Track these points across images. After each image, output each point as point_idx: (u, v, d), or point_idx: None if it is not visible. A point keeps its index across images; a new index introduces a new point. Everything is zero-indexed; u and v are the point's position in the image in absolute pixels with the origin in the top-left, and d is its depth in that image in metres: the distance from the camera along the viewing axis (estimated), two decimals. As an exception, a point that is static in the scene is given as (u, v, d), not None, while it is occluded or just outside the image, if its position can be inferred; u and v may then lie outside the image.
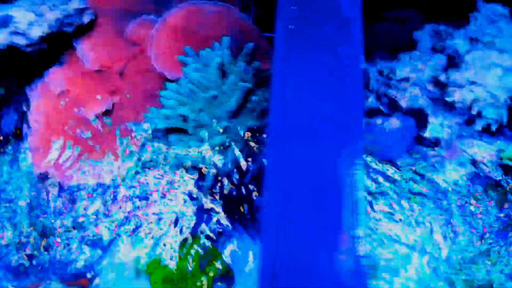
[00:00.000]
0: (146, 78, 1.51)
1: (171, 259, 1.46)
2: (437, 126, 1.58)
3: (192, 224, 1.45)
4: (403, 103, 1.59)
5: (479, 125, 1.56)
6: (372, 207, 1.61)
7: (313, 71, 1.09)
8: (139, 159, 1.43)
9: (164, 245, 1.48)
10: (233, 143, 1.26)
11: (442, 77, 1.55)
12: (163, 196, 1.45)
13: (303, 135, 1.02)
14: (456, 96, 1.53)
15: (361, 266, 0.91)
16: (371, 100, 1.65)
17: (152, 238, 1.49)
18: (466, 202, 1.60)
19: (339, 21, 1.14)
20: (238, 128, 1.28)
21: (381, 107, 1.64)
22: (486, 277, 1.53)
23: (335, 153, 1.00)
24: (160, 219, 1.48)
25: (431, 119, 1.58)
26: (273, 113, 1.05)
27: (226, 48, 1.31)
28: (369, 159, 1.65)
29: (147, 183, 1.46)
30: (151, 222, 1.47)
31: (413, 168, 1.64)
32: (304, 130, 1.02)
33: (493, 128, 1.57)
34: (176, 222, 1.37)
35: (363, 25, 1.19)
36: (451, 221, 1.60)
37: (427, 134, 1.59)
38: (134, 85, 1.52)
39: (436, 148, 1.63)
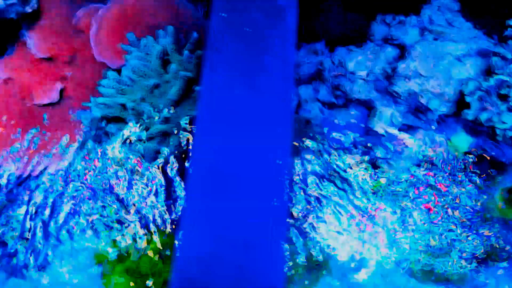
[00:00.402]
0: (94, 67, 1.50)
1: (129, 250, 1.46)
2: (387, 117, 1.59)
3: (148, 215, 1.45)
4: (354, 94, 1.59)
5: (428, 116, 1.57)
6: (320, 201, 1.61)
7: (243, 62, 1.09)
8: (84, 149, 1.42)
9: (122, 236, 1.48)
10: (175, 131, 1.26)
11: (392, 68, 1.56)
12: (111, 186, 1.45)
13: (229, 128, 1.01)
14: (405, 87, 1.53)
15: (282, 267, 0.90)
16: (325, 92, 1.66)
17: (107, 229, 1.49)
18: (420, 193, 1.61)
19: (273, 9, 1.14)
20: (180, 117, 1.28)
21: (333, 99, 1.64)
22: (445, 269, 1.54)
23: (261, 148, 1.00)
24: (111, 209, 1.47)
25: (380, 110, 1.58)
26: (200, 105, 1.04)
27: (170, 36, 1.31)
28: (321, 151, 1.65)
29: (96, 173, 1.45)
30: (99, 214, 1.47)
31: (366, 159, 1.65)
32: (231, 124, 1.02)
33: (442, 118, 1.58)
34: (126, 212, 1.37)
35: (298, 15, 1.19)
36: (409, 212, 1.61)
37: (376, 124, 1.60)
38: (83, 73, 1.51)
39: (386, 139, 1.63)
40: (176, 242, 0.90)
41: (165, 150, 1.23)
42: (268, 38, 1.10)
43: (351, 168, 1.63)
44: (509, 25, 1.48)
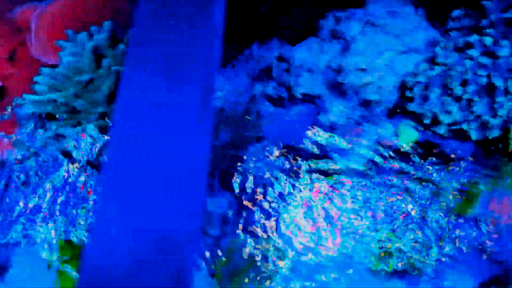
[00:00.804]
0: (34, 64, 1.48)
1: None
2: (335, 111, 1.58)
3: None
4: (301, 89, 1.59)
5: (374, 109, 1.56)
6: (265, 196, 1.61)
7: (166, 55, 1.07)
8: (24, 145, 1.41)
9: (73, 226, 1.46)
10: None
11: (338, 63, 1.55)
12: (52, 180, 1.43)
13: (147, 122, 1.00)
14: (350, 80, 1.53)
15: (189, 268, 0.89)
16: (273, 87, 1.64)
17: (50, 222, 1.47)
18: (373, 187, 1.61)
19: (199, 3, 1.13)
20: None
21: (282, 94, 1.63)
22: (400, 261, 1.54)
23: (180, 143, 0.99)
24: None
25: (328, 105, 1.58)
26: (119, 99, 1.03)
27: (105, 32, 1.29)
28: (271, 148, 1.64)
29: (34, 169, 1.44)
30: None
31: (316, 152, 1.64)
32: (149, 117, 1.00)
33: (389, 111, 1.57)
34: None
35: (225, 8, 1.18)
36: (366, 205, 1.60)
37: (325, 119, 1.59)
38: (23, 71, 1.49)
39: (335, 134, 1.63)
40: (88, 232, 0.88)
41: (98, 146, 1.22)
42: (193, 32, 1.09)
43: (301, 163, 1.62)
44: (453, 16, 1.48)
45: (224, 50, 1.75)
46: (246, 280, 1.49)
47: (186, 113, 1.02)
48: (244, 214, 1.65)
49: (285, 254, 1.56)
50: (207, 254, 1.59)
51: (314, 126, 1.63)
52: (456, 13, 1.46)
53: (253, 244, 1.58)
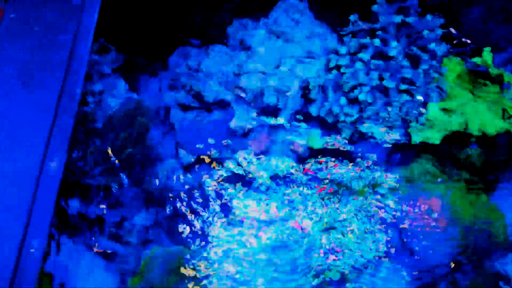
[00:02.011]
0: None
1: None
2: (242, 117, 1.57)
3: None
4: (210, 96, 1.57)
5: (281, 114, 1.56)
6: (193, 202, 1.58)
7: (29, 61, 1.05)
8: None
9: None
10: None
11: (243, 69, 1.55)
12: None
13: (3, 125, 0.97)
14: (256, 87, 1.53)
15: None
16: (182, 95, 1.63)
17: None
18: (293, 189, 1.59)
19: (67, 9, 1.12)
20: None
21: (193, 102, 1.62)
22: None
23: (35, 147, 0.95)
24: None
25: (236, 111, 1.57)
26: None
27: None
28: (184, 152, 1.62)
29: None
30: None
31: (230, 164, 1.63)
32: (5, 120, 0.98)
33: (296, 116, 1.58)
34: None
35: (98, 15, 1.17)
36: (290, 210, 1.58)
37: (234, 125, 1.58)
38: None
39: (247, 139, 1.62)
40: None
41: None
42: (59, 37, 1.07)
43: (220, 171, 1.61)
44: (352, 20, 1.50)
45: (139, 57, 1.75)
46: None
47: (47, 116, 0.99)
48: (167, 225, 1.61)
49: (210, 263, 1.52)
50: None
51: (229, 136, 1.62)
52: (352, 18, 1.48)
53: (177, 255, 1.54)
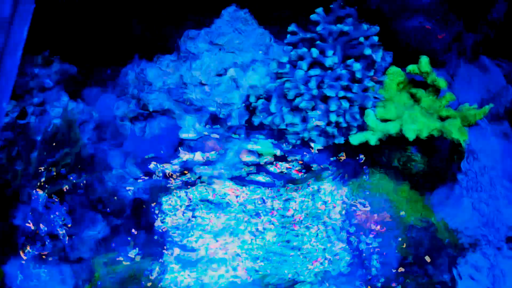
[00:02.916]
0: None
1: None
2: (189, 127, 1.59)
3: None
4: (157, 107, 1.59)
5: (228, 124, 1.58)
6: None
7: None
8: None
9: None
10: None
11: (187, 79, 1.57)
12: None
13: None
14: (197, 97, 1.55)
15: None
16: (129, 106, 1.64)
17: None
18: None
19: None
20: None
21: (138, 113, 1.63)
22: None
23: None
24: None
25: (182, 121, 1.58)
26: None
27: None
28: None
29: None
30: None
31: (186, 173, 1.64)
32: None
33: (240, 125, 1.60)
34: None
35: (28, 28, 1.18)
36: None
37: (183, 135, 1.59)
38: None
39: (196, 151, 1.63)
40: None
41: None
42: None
43: (171, 178, 1.61)
44: (290, 30, 1.54)
45: (87, 69, 1.75)
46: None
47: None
48: (118, 236, 1.61)
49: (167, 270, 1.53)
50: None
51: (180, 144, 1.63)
52: (290, 28, 1.51)
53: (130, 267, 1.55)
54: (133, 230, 1.58)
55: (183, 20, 1.68)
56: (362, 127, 1.50)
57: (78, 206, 1.61)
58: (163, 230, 1.57)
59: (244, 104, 1.55)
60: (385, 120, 1.46)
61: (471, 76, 1.89)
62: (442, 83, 1.45)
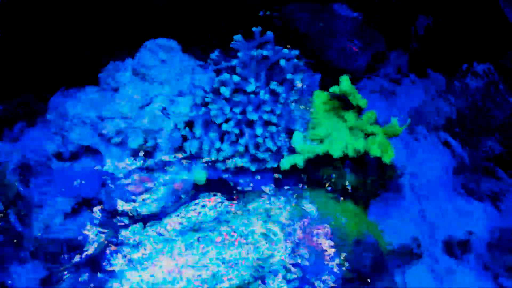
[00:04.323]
0: None
1: None
2: (116, 162, 1.55)
3: None
4: (80, 141, 1.54)
5: (156, 155, 1.56)
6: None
7: None
8: None
9: None
10: None
11: (110, 112, 1.53)
12: None
13: None
14: (118, 129, 1.52)
15: None
16: (55, 143, 1.59)
17: None
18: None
19: None
20: None
21: (63, 150, 1.58)
22: None
23: None
24: None
25: (108, 156, 1.55)
26: None
27: None
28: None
29: None
30: None
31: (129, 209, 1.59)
32: None
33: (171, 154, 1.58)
34: None
35: None
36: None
37: (107, 170, 1.55)
38: None
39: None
40: None
41: None
42: None
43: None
44: (212, 58, 1.54)
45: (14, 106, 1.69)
46: None
47: None
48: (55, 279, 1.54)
49: None
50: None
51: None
52: (212, 55, 1.52)
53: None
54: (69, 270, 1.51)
55: (107, 51, 1.66)
56: (293, 150, 1.52)
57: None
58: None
59: (173, 133, 1.53)
60: (311, 139, 1.47)
61: (400, 92, 1.96)
62: (362, 103, 1.48)
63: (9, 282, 1.50)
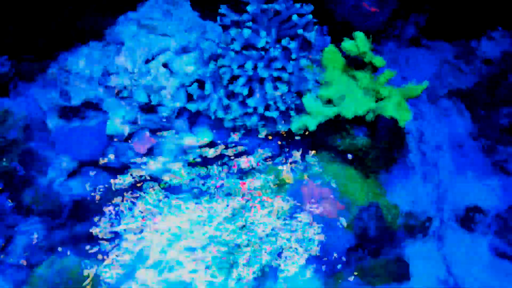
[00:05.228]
0: None
1: None
2: (119, 119, 1.50)
3: None
4: (78, 99, 1.48)
5: (161, 113, 1.50)
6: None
7: None
8: None
9: None
10: None
11: (114, 67, 1.47)
12: None
13: None
14: (122, 83, 1.46)
15: None
16: (58, 100, 1.52)
17: None
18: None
19: None
20: None
21: (67, 107, 1.52)
22: None
23: None
24: None
25: (112, 113, 1.49)
26: None
27: None
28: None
29: None
30: None
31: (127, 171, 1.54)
32: None
33: (176, 113, 1.52)
34: None
35: None
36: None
37: (111, 129, 1.49)
38: None
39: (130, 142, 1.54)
40: None
41: None
42: None
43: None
44: (222, 13, 1.47)
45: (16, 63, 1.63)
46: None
47: None
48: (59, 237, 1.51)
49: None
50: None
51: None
52: (221, 9, 1.44)
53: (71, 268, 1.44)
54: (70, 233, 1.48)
55: (112, 6, 1.58)
56: (301, 110, 1.45)
57: (9, 207, 1.50)
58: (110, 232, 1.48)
59: (180, 90, 1.47)
60: (322, 101, 1.41)
61: (413, 56, 1.88)
62: (378, 62, 1.41)
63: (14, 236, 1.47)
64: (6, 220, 1.48)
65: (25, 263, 1.43)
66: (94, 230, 1.46)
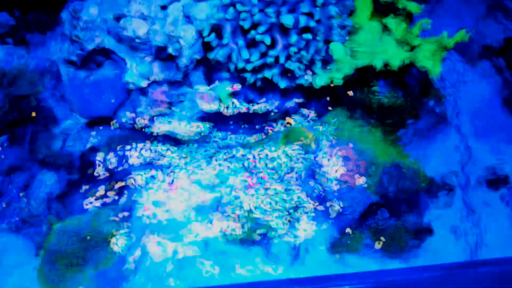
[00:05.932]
0: None
1: None
2: (132, 73, 1.42)
3: None
4: (95, 46, 1.41)
5: (179, 64, 1.42)
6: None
7: None
8: None
9: None
10: None
11: (128, 13, 1.38)
12: None
13: None
14: (138, 32, 1.37)
15: None
16: (71, 51, 1.45)
17: None
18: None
19: None
20: None
21: (81, 58, 1.44)
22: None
23: None
24: None
25: (130, 63, 1.41)
26: None
27: None
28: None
29: None
30: None
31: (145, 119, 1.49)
32: None
33: (194, 64, 1.44)
34: None
35: None
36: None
37: (128, 79, 1.42)
38: None
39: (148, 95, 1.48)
40: None
41: None
42: None
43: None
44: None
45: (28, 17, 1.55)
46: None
47: None
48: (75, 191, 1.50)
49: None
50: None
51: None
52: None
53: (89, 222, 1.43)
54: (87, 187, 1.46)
55: None
56: (327, 63, 1.36)
57: (25, 161, 1.48)
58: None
59: (197, 39, 1.37)
60: (351, 50, 1.31)
61: (450, 6, 1.74)
62: (414, 8, 1.30)
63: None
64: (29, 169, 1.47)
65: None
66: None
